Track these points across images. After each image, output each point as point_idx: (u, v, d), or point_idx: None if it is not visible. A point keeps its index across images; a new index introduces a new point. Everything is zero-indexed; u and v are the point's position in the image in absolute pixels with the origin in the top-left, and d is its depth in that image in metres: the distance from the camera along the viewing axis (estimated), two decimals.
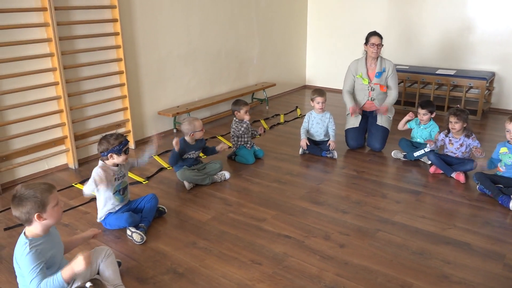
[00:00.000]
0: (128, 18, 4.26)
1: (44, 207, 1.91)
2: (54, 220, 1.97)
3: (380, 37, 4.15)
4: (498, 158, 3.35)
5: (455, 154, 3.69)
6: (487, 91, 5.53)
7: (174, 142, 3.40)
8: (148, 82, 4.63)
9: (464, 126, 3.59)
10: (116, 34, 4.09)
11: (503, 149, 3.28)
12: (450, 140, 3.70)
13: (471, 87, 5.44)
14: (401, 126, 4.15)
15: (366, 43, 4.21)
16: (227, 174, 3.69)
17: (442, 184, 3.55)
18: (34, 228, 1.95)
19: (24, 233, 1.97)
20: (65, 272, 1.91)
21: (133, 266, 2.52)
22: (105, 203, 2.86)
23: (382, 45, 4.17)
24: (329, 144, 4.13)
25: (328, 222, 2.97)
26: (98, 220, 2.92)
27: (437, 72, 5.63)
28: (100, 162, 2.83)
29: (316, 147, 4.20)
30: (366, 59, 4.29)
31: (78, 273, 1.95)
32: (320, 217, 3.04)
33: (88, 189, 2.74)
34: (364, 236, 2.79)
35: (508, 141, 3.27)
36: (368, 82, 4.26)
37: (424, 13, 5.98)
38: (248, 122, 4.02)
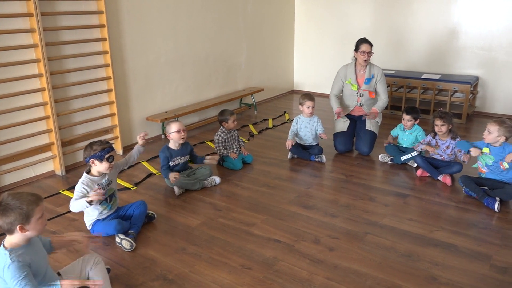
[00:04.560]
0: (116, 24, 4.25)
1: (28, 219, 1.87)
2: (36, 232, 1.93)
3: (371, 44, 4.18)
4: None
5: (442, 156, 3.75)
6: (471, 95, 5.63)
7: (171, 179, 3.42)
8: (136, 88, 4.62)
9: (450, 128, 3.66)
10: (103, 39, 4.07)
11: (485, 149, 3.33)
12: (436, 142, 3.76)
13: (456, 91, 5.53)
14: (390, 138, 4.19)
15: (356, 50, 4.24)
16: (217, 179, 3.68)
17: (429, 187, 3.60)
18: (14, 238, 1.91)
19: (3, 244, 1.92)
20: (66, 285, 1.93)
21: (123, 273, 2.50)
22: (92, 211, 2.83)
23: (372, 52, 4.21)
24: (321, 136, 4.15)
25: (318, 226, 2.98)
26: (88, 228, 2.89)
27: (422, 77, 5.72)
28: (83, 176, 2.78)
29: (305, 151, 4.22)
30: (355, 65, 4.33)
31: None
32: (309, 221, 3.06)
33: (75, 208, 2.72)
34: (353, 240, 2.81)
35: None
36: (357, 88, 4.31)
37: (410, 19, 6.07)
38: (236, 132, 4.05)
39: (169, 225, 3.04)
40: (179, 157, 3.58)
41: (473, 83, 5.50)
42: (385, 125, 4.89)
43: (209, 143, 4.74)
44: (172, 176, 3.41)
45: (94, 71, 4.11)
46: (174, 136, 3.51)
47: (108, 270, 2.41)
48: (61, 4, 3.76)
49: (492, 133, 3.23)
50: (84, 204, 2.63)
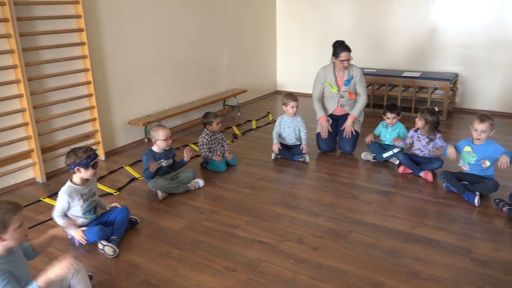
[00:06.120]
0: (95, 28, 4.20)
1: (5, 228, 1.84)
2: (15, 242, 1.90)
3: (349, 50, 4.16)
4: (461, 152, 3.44)
5: (423, 152, 3.79)
6: (451, 91, 5.71)
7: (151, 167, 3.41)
8: (117, 92, 4.57)
9: (428, 126, 3.69)
10: (82, 44, 4.02)
11: (467, 148, 3.37)
12: (418, 137, 3.80)
13: (436, 88, 5.61)
14: (368, 141, 4.17)
15: (335, 56, 4.20)
16: (201, 182, 3.67)
17: (411, 184, 3.64)
18: None
19: None
20: (41, 280, 1.87)
21: (106, 280, 2.47)
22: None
23: (351, 57, 4.21)
24: (302, 148, 4.17)
25: (301, 226, 2.99)
26: (69, 236, 2.84)
27: (403, 75, 5.78)
28: (67, 184, 2.75)
29: (288, 151, 4.23)
30: (334, 67, 4.34)
31: (54, 280, 1.91)
32: (293, 221, 3.07)
33: (59, 222, 2.72)
34: (337, 238, 2.83)
35: (472, 140, 3.37)
36: (337, 90, 4.33)
37: (389, 19, 6.13)
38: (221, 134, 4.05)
39: (152, 229, 3.02)
40: (162, 160, 3.56)
41: (453, 80, 5.58)
42: (367, 123, 4.93)
43: (192, 145, 4.72)
44: (153, 164, 3.40)
45: (73, 76, 4.05)
46: (161, 143, 3.49)
47: (90, 278, 2.37)
48: (38, 9, 3.71)
49: (486, 132, 3.24)
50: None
